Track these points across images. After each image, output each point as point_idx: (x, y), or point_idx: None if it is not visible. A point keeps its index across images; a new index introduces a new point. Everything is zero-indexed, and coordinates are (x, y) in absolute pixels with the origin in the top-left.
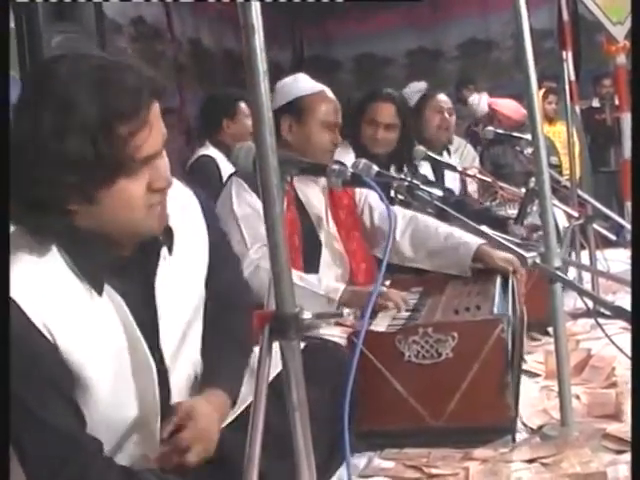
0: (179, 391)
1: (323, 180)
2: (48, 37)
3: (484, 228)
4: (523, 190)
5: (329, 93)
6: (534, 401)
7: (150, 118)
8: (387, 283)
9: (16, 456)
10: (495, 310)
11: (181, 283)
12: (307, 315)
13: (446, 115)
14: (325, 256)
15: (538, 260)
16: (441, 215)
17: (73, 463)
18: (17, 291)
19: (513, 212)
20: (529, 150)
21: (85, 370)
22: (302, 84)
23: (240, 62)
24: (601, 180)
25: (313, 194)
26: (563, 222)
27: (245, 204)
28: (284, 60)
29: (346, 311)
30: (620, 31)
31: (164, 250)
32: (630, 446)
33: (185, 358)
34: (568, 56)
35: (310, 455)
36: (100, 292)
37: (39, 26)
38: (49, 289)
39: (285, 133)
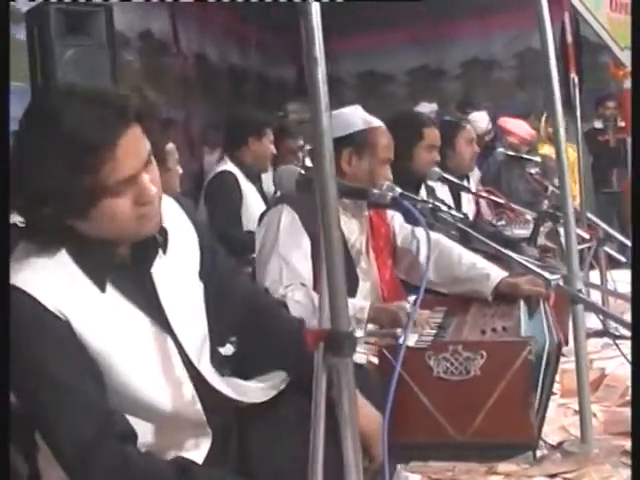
0: (197, 355)
1: (364, 212)
2: (60, 51)
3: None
4: (527, 210)
5: (384, 128)
6: (552, 418)
7: (122, 143)
8: (411, 300)
9: (47, 443)
10: (522, 332)
11: (177, 275)
12: (360, 333)
13: (476, 147)
14: (362, 289)
15: (561, 282)
16: (464, 237)
17: (106, 442)
18: (30, 284)
19: (518, 232)
20: (534, 170)
21: (101, 352)
22: (363, 117)
23: (244, 77)
24: (602, 201)
25: (352, 229)
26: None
27: (292, 242)
28: (288, 77)
29: (370, 326)
30: (627, 56)
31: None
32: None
33: (195, 328)
34: (574, 78)
35: (359, 468)
36: (103, 289)
37: (51, 39)
38: (61, 283)
39: (344, 164)
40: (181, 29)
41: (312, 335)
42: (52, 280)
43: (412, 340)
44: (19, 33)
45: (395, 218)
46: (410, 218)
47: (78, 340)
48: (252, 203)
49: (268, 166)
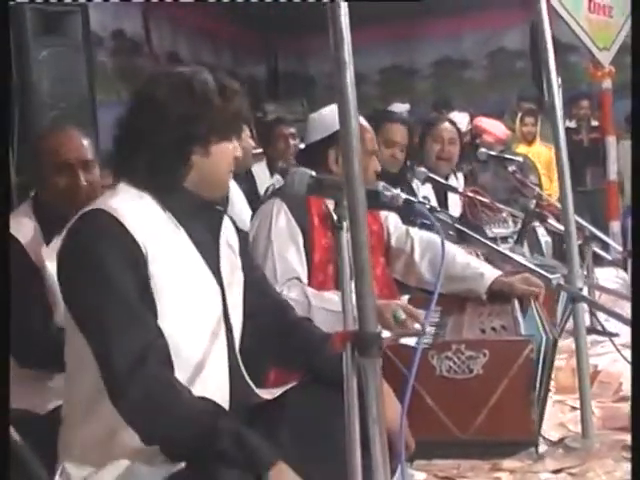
0: (234, 308)
1: None
2: (35, 51)
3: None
4: (514, 210)
5: (364, 122)
6: (550, 415)
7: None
8: (406, 299)
9: (97, 355)
10: (522, 331)
11: (230, 251)
12: (386, 334)
13: (447, 146)
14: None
15: (562, 281)
16: (459, 238)
17: (153, 361)
18: (117, 210)
19: (497, 231)
20: (511, 169)
21: (162, 287)
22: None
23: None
24: (576, 199)
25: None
26: (546, 239)
27: (285, 235)
28: (259, 74)
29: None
30: (606, 56)
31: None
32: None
33: (237, 302)
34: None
35: (387, 466)
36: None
37: (27, 40)
38: (144, 216)
39: (332, 165)
40: (153, 28)
41: (340, 336)
42: (136, 210)
43: (413, 340)
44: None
45: (390, 218)
46: (407, 219)
47: (146, 266)
48: (237, 201)
49: (250, 162)
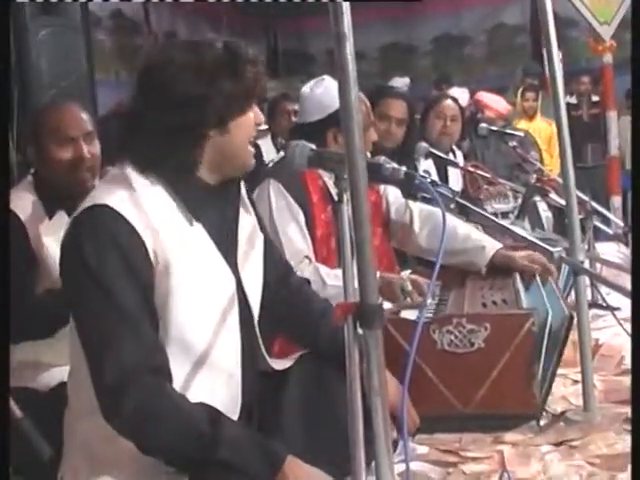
0: (255, 301)
1: None
2: (34, 31)
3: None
4: (515, 185)
5: (360, 94)
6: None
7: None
8: (407, 273)
9: (89, 363)
10: (524, 304)
11: (250, 232)
12: (388, 306)
13: (449, 122)
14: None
15: (564, 254)
16: (460, 212)
17: (145, 373)
18: (122, 206)
19: (498, 207)
20: (512, 144)
21: (171, 284)
22: (335, 92)
23: None
24: (576, 175)
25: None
26: (547, 214)
27: (286, 213)
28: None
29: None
30: (607, 31)
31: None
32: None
33: (256, 273)
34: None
35: (389, 438)
36: (191, 223)
37: (25, 20)
38: (153, 211)
39: (330, 143)
40: (152, 7)
41: (341, 308)
42: (144, 205)
43: (414, 314)
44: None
45: (389, 190)
46: (408, 193)
47: (152, 268)
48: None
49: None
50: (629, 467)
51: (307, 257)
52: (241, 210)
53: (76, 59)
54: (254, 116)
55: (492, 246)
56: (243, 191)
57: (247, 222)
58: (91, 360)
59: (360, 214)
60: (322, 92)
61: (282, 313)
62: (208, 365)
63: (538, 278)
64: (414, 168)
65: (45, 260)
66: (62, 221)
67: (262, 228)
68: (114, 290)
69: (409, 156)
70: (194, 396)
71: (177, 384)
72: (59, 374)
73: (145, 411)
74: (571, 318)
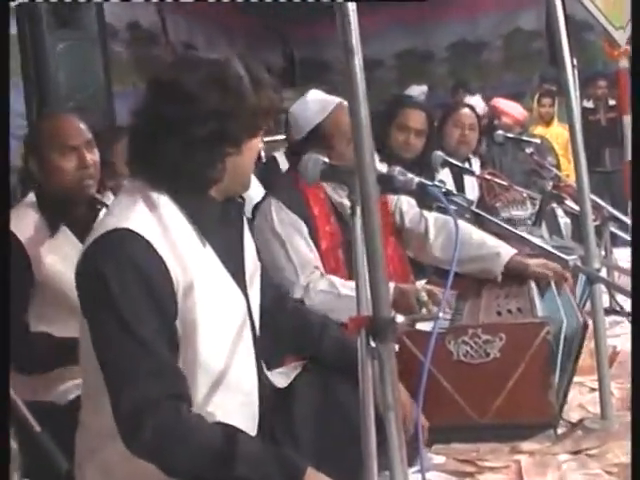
0: (255, 306)
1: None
2: (52, 44)
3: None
4: (531, 192)
5: (344, 102)
6: (569, 397)
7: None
8: (423, 283)
9: (109, 390)
10: (539, 313)
11: (252, 251)
12: (401, 319)
13: (467, 131)
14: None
15: (579, 263)
16: (475, 221)
17: (164, 401)
18: (142, 228)
19: (516, 213)
20: (528, 150)
21: (187, 306)
22: (316, 107)
23: None
24: (594, 180)
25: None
26: (565, 220)
27: (289, 226)
28: (274, 62)
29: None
30: (622, 36)
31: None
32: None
33: (257, 294)
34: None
35: (403, 449)
36: (204, 244)
37: (42, 33)
38: (169, 232)
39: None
40: (169, 19)
41: (354, 321)
42: (160, 227)
43: (429, 325)
44: (10, 27)
45: (402, 199)
46: (423, 203)
47: (174, 294)
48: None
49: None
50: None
51: (317, 268)
52: (245, 232)
53: (93, 71)
54: (259, 142)
55: (507, 252)
56: (246, 213)
57: (251, 245)
58: (110, 386)
59: (372, 228)
60: (303, 108)
61: (285, 334)
62: (227, 385)
63: (553, 285)
64: (432, 177)
65: (45, 281)
66: (65, 237)
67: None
68: (135, 317)
69: (429, 166)
70: (214, 417)
71: (197, 406)
72: (76, 388)
73: (163, 437)
74: (585, 326)
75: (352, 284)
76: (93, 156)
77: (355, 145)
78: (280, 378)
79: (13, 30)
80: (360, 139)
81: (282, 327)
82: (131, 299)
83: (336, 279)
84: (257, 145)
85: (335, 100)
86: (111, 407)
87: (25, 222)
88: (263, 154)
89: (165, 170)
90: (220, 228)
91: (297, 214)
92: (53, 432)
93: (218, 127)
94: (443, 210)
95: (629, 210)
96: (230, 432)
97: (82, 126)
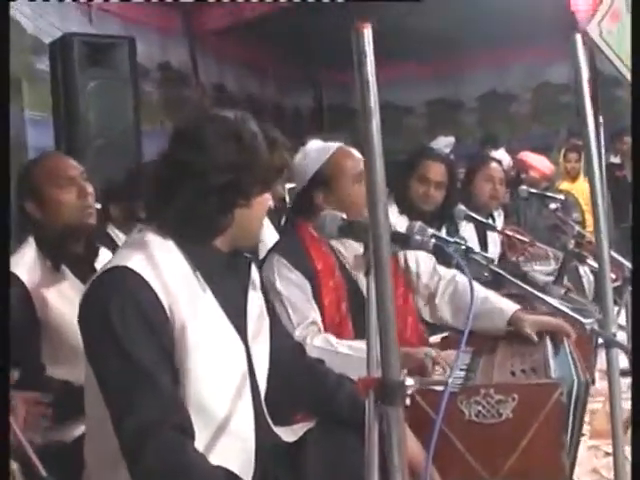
0: (261, 374)
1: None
2: (83, 82)
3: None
4: (554, 249)
5: (344, 147)
6: (583, 460)
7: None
8: (438, 339)
9: (112, 419)
10: (552, 373)
11: (258, 298)
12: (410, 382)
13: (497, 185)
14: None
15: (596, 326)
16: (494, 279)
17: (166, 429)
18: (139, 267)
19: (539, 268)
20: (554, 206)
21: (186, 349)
22: (315, 154)
23: (262, 106)
24: (619, 236)
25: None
26: (589, 278)
27: (289, 283)
28: (304, 106)
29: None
30: None
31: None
32: None
33: (263, 350)
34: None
35: None
36: (205, 290)
37: (74, 71)
38: (172, 274)
39: (320, 203)
40: (200, 60)
41: (363, 382)
42: (163, 268)
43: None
44: (40, 63)
45: (420, 255)
46: (440, 257)
47: (170, 329)
48: (268, 234)
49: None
50: None
51: (314, 323)
52: (250, 288)
53: (123, 110)
54: (269, 198)
55: (510, 307)
56: (254, 271)
57: (256, 301)
58: (113, 417)
59: (384, 290)
60: (303, 157)
61: (299, 389)
62: (223, 429)
63: (566, 343)
64: (456, 230)
65: (52, 322)
66: (66, 278)
67: (269, 309)
68: (136, 348)
69: (451, 219)
70: (210, 459)
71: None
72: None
73: (165, 469)
74: (587, 385)
75: (351, 342)
76: (89, 187)
77: (369, 204)
78: (289, 433)
79: (45, 66)
80: (375, 199)
81: (296, 381)
82: (131, 331)
83: (332, 337)
84: (267, 201)
85: (335, 145)
86: (116, 436)
87: (27, 266)
88: None
89: (175, 215)
90: (224, 278)
91: (300, 270)
92: (62, 472)
93: (232, 178)
94: (448, 264)
95: None
96: (232, 477)
97: (72, 161)
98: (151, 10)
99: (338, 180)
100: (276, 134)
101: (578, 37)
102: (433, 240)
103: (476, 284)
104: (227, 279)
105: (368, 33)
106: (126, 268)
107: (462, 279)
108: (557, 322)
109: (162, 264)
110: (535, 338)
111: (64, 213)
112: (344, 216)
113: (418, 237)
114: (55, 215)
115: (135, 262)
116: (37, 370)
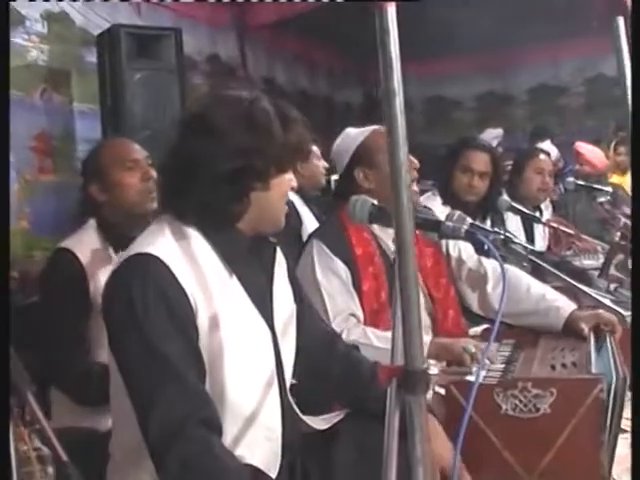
0: (288, 362)
1: None
2: (129, 74)
3: (582, 286)
4: (599, 242)
5: (380, 130)
6: (623, 458)
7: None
8: (479, 331)
9: (137, 416)
10: (593, 369)
11: (284, 288)
12: (434, 371)
13: (547, 178)
14: None
15: None
16: (535, 269)
17: (193, 426)
18: (169, 259)
19: (587, 262)
20: (603, 199)
21: (212, 339)
22: (353, 135)
23: (314, 102)
24: None
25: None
26: None
27: (328, 271)
28: (354, 99)
29: (432, 362)
30: None
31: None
32: None
33: (290, 338)
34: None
35: None
36: (231, 275)
37: (121, 63)
38: (196, 261)
39: (362, 182)
40: (249, 53)
41: (385, 371)
42: (186, 256)
43: (480, 376)
44: (90, 56)
45: (461, 245)
46: (481, 249)
47: (195, 320)
48: (310, 226)
49: (322, 182)
50: None
51: (353, 315)
52: (276, 273)
53: (170, 101)
54: (291, 179)
55: (568, 306)
56: (280, 256)
57: (282, 287)
58: (138, 411)
59: (407, 275)
60: (339, 143)
61: (333, 378)
62: (252, 421)
63: (608, 339)
64: (501, 222)
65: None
66: None
67: (298, 295)
68: (159, 337)
69: (494, 210)
70: (242, 458)
71: (224, 439)
72: None
73: (191, 466)
74: (625, 380)
75: (387, 335)
76: (152, 171)
77: (393, 189)
78: (320, 421)
79: (93, 58)
80: (399, 183)
81: (330, 370)
82: (154, 319)
83: (370, 330)
84: (288, 181)
85: (371, 127)
86: (140, 432)
87: (86, 246)
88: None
89: (192, 205)
90: (248, 262)
91: (339, 256)
92: (89, 461)
93: (244, 163)
94: (504, 257)
95: None
96: (258, 474)
97: (138, 146)
98: (201, 3)
99: (376, 155)
100: (291, 111)
101: (620, 21)
102: (465, 227)
103: (532, 280)
104: (252, 263)
105: (392, 11)
106: (149, 255)
107: (514, 272)
108: (609, 317)
109: (190, 252)
110: (588, 335)
111: (127, 196)
112: (375, 202)
113: (449, 223)
114: (119, 198)
115: (159, 249)
116: (82, 351)
